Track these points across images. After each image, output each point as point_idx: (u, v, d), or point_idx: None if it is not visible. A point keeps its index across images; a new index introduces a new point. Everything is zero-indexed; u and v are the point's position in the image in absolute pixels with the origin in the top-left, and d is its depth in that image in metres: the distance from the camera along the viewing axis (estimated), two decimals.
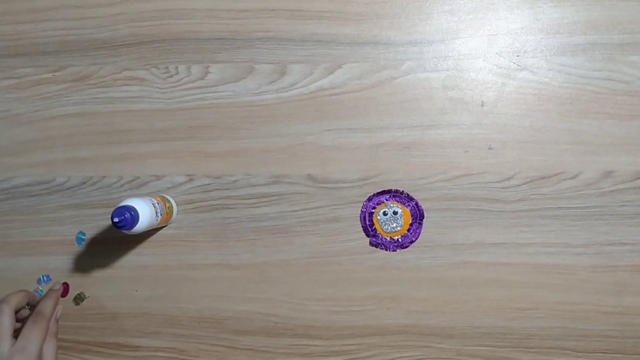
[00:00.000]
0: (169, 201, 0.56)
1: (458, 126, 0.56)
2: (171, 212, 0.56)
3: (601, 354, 0.55)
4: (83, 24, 0.59)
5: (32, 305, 0.51)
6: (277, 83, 0.57)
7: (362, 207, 0.55)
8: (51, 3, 0.59)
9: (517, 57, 0.56)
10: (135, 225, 0.47)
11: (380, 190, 0.55)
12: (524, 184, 0.55)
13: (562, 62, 0.55)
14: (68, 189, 0.59)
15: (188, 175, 0.58)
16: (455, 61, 0.56)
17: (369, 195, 0.55)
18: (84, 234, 0.59)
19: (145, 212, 0.48)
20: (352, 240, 0.57)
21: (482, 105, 0.56)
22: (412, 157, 0.56)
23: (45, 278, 0.60)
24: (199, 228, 0.58)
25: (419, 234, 0.55)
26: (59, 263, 0.59)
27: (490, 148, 0.56)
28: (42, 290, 0.59)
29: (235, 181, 0.58)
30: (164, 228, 0.58)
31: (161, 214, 0.52)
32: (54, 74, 0.59)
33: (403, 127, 0.56)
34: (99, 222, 0.59)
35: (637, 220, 0.55)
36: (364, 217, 0.56)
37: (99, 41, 0.58)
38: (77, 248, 0.59)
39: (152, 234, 0.58)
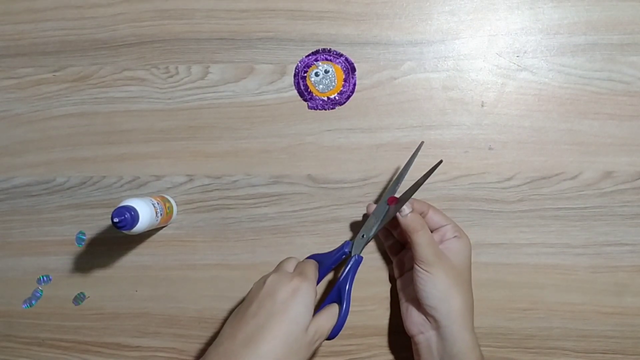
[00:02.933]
0: (169, 201, 0.56)
1: (458, 126, 0.56)
2: (171, 212, 0.56)
3: (601, 355, 0.55)
4: (83, 24, 0.59)
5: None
6: (277, 83, 0.57)
7: (294, 72, 0.54)
8: (51, 3, 0.59)
9: (517, 58, 0.56)
10: (135, 226, 0.47)
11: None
12: (524, 184, 0.55)
13: (562, 63, 0.55)
14: (68, 189, 0.59)
15: (188, 175, 0.58)
16: (455, 61, 0.56)
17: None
18: (84, 234, 0.59)
19: (145, 212, 0.48)
20: None
21: (482, 106, 0.56)
22: None
23: (45, 278, 0.60)
24: (199, 228, 0.58)
25: (354, 85, 0.55)
26: (59, 263, 0.59)
27: (490, 148, 0.56)
28: (42, 291, 0.59)
29: (235, 181, 0.58)
30: (164, 228, 0.58)
31: (161, 214, 0.52)
32: (54, 74, 0.59)
33: (403, 127, 0.56)
34: (99, 222, 0.59)
35: (637, 220, 0.55)
36: (298, 83, 0.55)
37: (99, 41, 0.58)
38: (77, 248, 0.59)
39: (152, 234, 0.58)
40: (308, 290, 0.44)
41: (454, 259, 0.49)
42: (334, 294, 0.49)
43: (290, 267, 0.48)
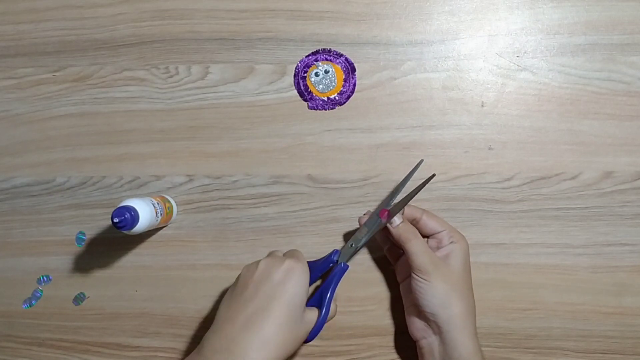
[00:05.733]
0: (169, 201, 0.56)
1: (458, 126, 0.56)
2: (171, 212, 0.56)
3: (601, 355, 0.55)
4: (83, 24, 0.59)
5: None
6: (277, 83, 0.57)
7: (294, 72, 0.55)
8: (51, 3, 0.59)
9: (517, 58, 0.56)
10: (135, 226, 0.47)
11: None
12: (524, 184, 0.55)
13: (562, 63, 0.55)
14: (68, 189, 0.59)
15: (188, 175, 0.58)
16: (455, 61, 0.56)
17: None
18: (84, 234, 0.59)
19: (145, 212, 0.48)
20: None
21: (482, 106, 0.56)
22: (412, 157, 0.56)
23: (45, 278, 0.60)
24: (199, 228, 0.58)
25: (354, 85, 0.55)
26: (59, 263, 0.59)
27: (490, 148, 0.56)
28: (42, 291, 0.59)
29: (235, 181, 0.58)
30: (164, 228, 0.58)
31: (161, 214, 0.52)
32: (54, 74, 0.59)
33: (403, 127, 0.56)
34: (99, 222, 0.59)
35: (637, 220, 0.55)
36: (298, 83, 0.56)
37: (99, 41, 0.58)
38: (77, 248, 0.59)
39: (152, 234, 0.58)
40: (302, 269, 0.44)
41: (451, 264, 0.48)
42: (316, 298, 0.49)
43: (279, 253, 0.48)
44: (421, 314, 0.49)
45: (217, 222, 0.58)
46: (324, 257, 0.51)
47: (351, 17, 0.56)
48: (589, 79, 0.55)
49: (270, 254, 0.48)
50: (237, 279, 0.46)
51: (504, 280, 0.56)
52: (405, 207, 0.50)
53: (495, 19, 0.56)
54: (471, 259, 0.52)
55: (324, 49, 0.56)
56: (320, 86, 0.56)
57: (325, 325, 0.57)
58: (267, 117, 0.57)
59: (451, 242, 0.49)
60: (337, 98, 0.56)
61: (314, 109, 0.57)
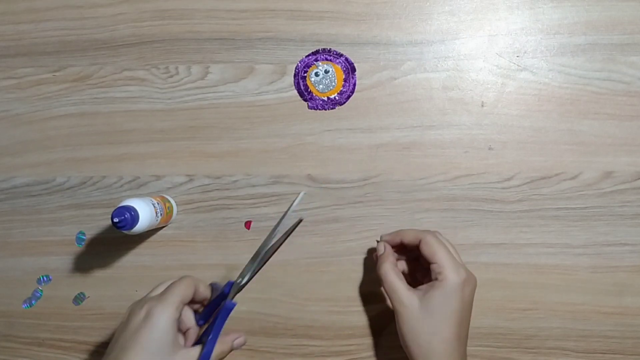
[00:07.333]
0: (169, 201, 0.56)
1: (458, 126, 0.56)
2: (171, 212, 0.56)
3: (601, 355, 0.55)
4: (83, 24, 0.59)
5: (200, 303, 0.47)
6: (277, 83, 0.57)
7: (294, 72, 0.55)
8: (51, 3, 0.59)
9: (517, 58, 0.56)
10: (135, 226, 0.47)
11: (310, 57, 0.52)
12: (524, 184, 0.55)
13: (562, 63, 0.55)
14: (68, 189, 0.59)
15: (188, 175, 0.58)
16: (455, 61, 0.56)
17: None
18: (84, 234, 0.59)
19: (145, 212, 0.48)
20: (353, 240, 0.57)
21: (482, 106, 0.56)
22: (412, 157, 0.56)
23: (45, 278, 0.60)
24: (199, 228, 0.58)
25: (354, 85, 0.55)
26: (59, 263, 0.59)
27: (490, 148, 0.56)
28: (42, 291, 0.59)
29: (235, 181, 0.58)
30: (164, 228, 0.58)
31: (161, 214, 0.52)
32: (54, 74, 0.59)
33: (403, 127, 0.56)
34: (99, 222, 0.59)
35: (637, 220, 0.55)
36: (298, 83, 0.56)
37: (99, 41, 0.58)
38: (77, 248, 0.59)
39: (152, 234, 0.58)
40: (162, 312, 0.41)
41: (436, 310, 0.44)
42: (204, 334, 0.45)
43: (158, 289, 0.45)
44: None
45: (217, 222, 0.58)
46: (225, 284, 0.46)
47: (351, 17, 0.56)
48: (589, 79, 0.55)
49: (147, 294, 0.45)
50: None
51: (504, 280, 0.56)
52: (409, 232, 0.48)
53: (495, 19, 0.56)
54: (471, 259, 0.52)
55: (324, 49, 0.56)
56: (320, 86, 0.56)
57: (325, 325, 0.57)
58: (267, 117, 0.57)
59: (435, 278, 0.45)
60: (337, 98, 0.56)
61: (314, 109, 0.57)
